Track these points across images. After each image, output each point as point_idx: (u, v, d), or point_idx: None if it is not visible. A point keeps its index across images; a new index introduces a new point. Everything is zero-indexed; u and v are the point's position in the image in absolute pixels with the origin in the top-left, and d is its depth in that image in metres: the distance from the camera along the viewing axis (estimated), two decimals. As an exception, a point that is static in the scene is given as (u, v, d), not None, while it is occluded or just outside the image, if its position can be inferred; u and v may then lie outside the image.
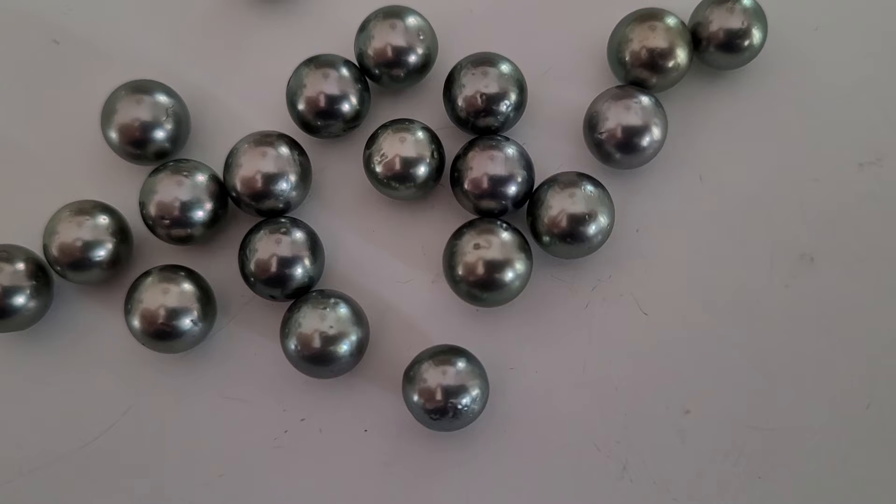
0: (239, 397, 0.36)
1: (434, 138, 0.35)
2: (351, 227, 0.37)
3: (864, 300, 0.36)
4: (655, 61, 0.35)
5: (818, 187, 0.37)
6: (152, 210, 0.35)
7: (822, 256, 0.36)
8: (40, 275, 0.35)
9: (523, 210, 0.36)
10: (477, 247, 0.34)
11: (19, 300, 0.34)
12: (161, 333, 0.34)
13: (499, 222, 0.35)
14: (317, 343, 0.34)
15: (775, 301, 0.36)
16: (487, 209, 0.35)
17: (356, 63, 0.36)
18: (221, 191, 0.35)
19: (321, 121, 0.35)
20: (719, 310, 0.36)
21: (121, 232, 0.35)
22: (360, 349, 0.34)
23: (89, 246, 0.35)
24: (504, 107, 0.35)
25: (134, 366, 0.36)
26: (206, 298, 0.35)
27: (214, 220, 0.35)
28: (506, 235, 0.34)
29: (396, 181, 0.35)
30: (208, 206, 0.35)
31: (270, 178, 0.35)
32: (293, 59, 0.36)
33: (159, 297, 0.34)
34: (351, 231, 0.37)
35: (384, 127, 0.35)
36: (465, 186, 0.35)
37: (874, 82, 0.37)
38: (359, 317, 0.34)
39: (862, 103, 0.37)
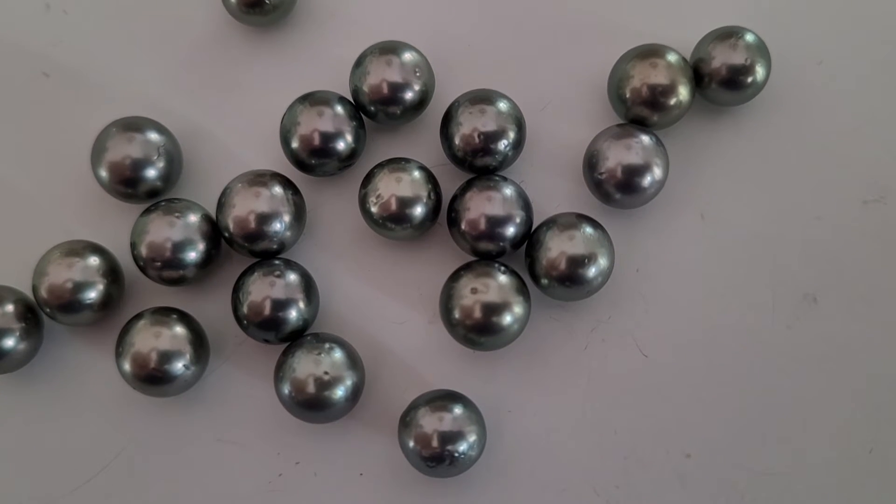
0: (232, 440, 0.35)
1: (430, 178, 0.35)
2: (346, 266, 0.36)
3: (868, 341, 0.35)
4: (657, 99, 0.35)
5: (821, 225, 0.36)
6: (143, 251, 0.34)
7: (825, 296, 0.36)
8: (30, 316, 0.34)
9: (521, 249, 0.35)
10: (474, 291, 0.33)
11: (8, 342, 0.34)
12: (153, 378, 0.33)
13: (496, 264, 0.34)
14: (311, 388, 0.33)
15: (778, 342, 0.35)
16: (485, 251, 0.34)
17: (351, 100, 0.36)
18: (214, 231, 0.35)
19: (315, 159, 0.35)
20: (720, 351, 0.35)
21: (112, 272, 0.35)
22: (355, 394, 0.34)
23: (79, 288, 0.34)
24: (502, 146, 0.34)
25: (126, 408, 0.35)
26: (199, 341, 0.34)
27: (207, 261, 0.35)
28: (503, 278, 0.34)
29: (392, 222, 0.34)
30: (201, 246, 0.34)
31: (264, 219, 0.34)
32: (287, 94, 0.36)
33: (151, 340, 0.33)
34: (346, 270, 0.36)
35: (380, 166, 0.35)
36: (463, 227, 0.34)
37: (878, 118, 0.37)
38: (354, 361, 0.34)
39: (866, 139, 0.36)
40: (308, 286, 0.34)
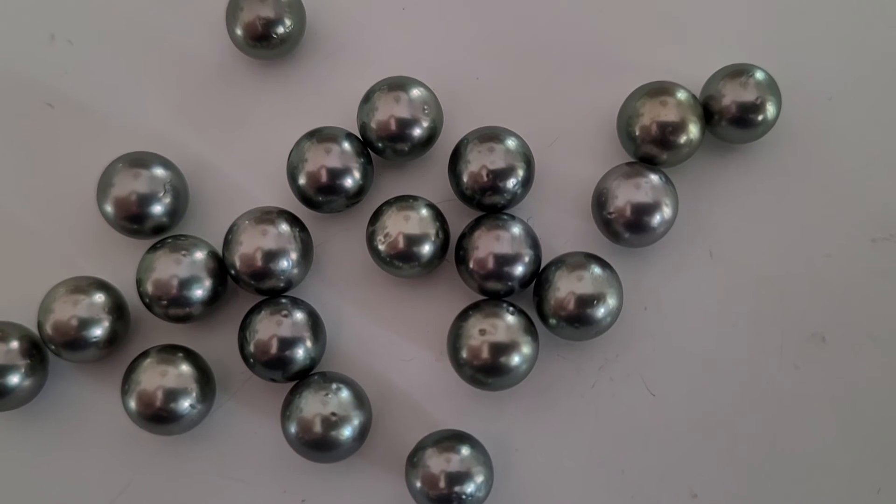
0: (238, 477, 0.35)
1: (439, 215, 0.35)
2: (353, 302, 0.36)
3: (876, 380, 0.35)
4: (667, 138, 0.34)
5: (830, 264, 0.36)
6: (149, 288, 0.34)
7: (833, 335, 0.36)
8: (35, 353, 0.34)
9: (530, 287, 0.35)
10: (483, 332, 0.33)
11: (13, 379, 0.34)
12: (158, 417, 0.33)
13: (505, 304, 0.34)
14: (318, 428, 0.33)
15: (785, 382, 0.35)
16: (493, 290, 0.34)
17: (359, 135, 0.35)
18: (221, 268, 0.35)
19: (323, 196, 0.35)
20: (728, 390, 0.35)
21: (117, 309, 0.34)
22: (362, 433, 0.34)
23: (85, 325, 0.34)
24: (511, 184, 0.34)
25: (131, 444, 0.35)
26: (205, 379, 0.34)
27: (214, 299, 0.34)
28: (511, 319, 0.33)
29: (400, 260, 0.34)
30: (207, 284, 0.34)
31: (271, 258, 0.34)
32: (294, 128, 0.36)
33: (157, 379, 0.33)
34: (353, 307, 0.36)
35: (388, 204, 0.35)
36: (471, 266, 0.34)
37: (886, 155, 0.36)
38: (361, 400, 0.34)
39: (874, 177, 0.36)
40: (315, 325, 0.34)
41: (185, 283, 0.34)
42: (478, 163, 0.34)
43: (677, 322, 0.36)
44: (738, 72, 0.35)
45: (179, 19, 0.37)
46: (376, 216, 0.34)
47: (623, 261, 0.36)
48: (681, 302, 0.36)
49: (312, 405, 0.33)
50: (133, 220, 0.35)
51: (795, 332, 0.36)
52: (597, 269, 0.34)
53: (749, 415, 0.35)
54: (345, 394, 0.33)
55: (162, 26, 0.37)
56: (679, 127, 0.34)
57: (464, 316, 0.34)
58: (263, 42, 0.36)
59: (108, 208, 0.34)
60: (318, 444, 0.33)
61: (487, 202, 0.35)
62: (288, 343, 0.34)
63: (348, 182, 0.34)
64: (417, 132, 0.35)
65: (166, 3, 0.37)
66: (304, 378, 0.34)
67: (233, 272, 0.34)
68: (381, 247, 0.34)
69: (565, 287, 0.34)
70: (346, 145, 0.35)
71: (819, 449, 0.35)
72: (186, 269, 0.34)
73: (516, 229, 0.34)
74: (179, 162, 0.36)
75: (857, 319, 0.36)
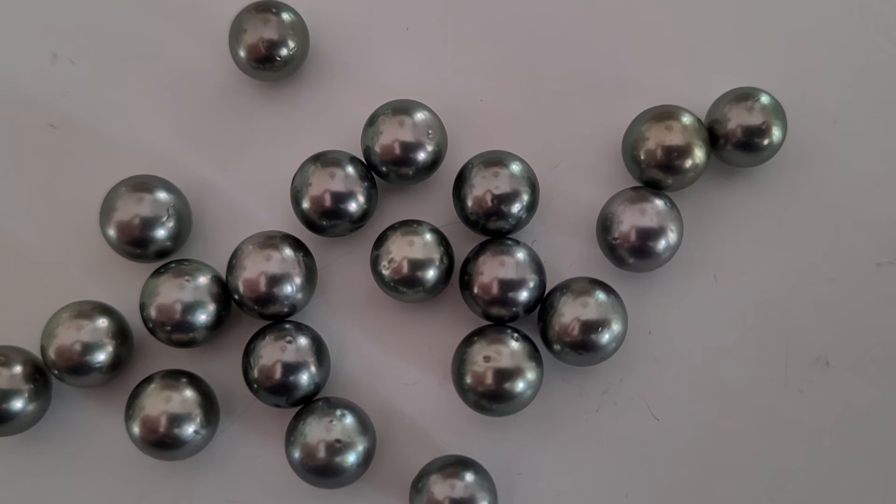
0: (242, 501, 0.35)
1: (443, 240, 0.35)
2: (356, 326, 0.36)
3: (881, 404, 0.35)
4: (672, 162, 0.34)
5: (835, 287, 0.36)
6: (153, 313, 0.34)
7: (837, 359, 0.35)
8: (38, 377, 0.34)
9: (534, 311, 0.35)
10: (487, 359, 0.33)
11: (17, 404, 0.34)
12: (162, 443, 0.33)
13: (509, 331, 0.34)
14: (322, 454, 0.33)
15: (790, 406, 0.35)
16: (497, 316, 0.34)
17: (363, 159, 0.35)
18: (224, 292, 0.34)
19: (326, 221, 0.34)
20: (732, 415, 0.35)
21: (121, 334, 0.34)
22: (366, 459, 0.34)
23: (88, 350, 0.34)
24: (515, 209, 0.34)
25: (135, 468, 0.35)
26: (209, 405, 0.34)
27: (217, 324, 0.34)
28: (516, 345, 0.33)
29: (404, 286, 0.34)
30: (211, 308, 0.34)
31: (274, 283, 0.34)
32: (298, 150, 0.36)
33: (161, 405, 0.33)
34: (356, 330, 0.36)
35: (392, 228, 0.34)
36: (475, 291, 0.34)
37: (893, 178, 0.36)
38: (365, 426, 0.34)
39: (880, 200, 0.36)
40: (319, 350, 0.34)
41: (189, 309, 0.34)
42: (482, 187, 0.34)
43: (681, 346, 0.36)
44: (744, 96, 0.35)
45: (182, 40, 0.37)
46: (380, 241, 0.34)
47: (627, 284, 0.35)
48: (685, 326, 0.36)
49: (317, 431, 0.33)
50: (136, 244, 0.34)
51: (800, 356, 0.35)
52: (601, 295, 0.34)
53: (753, 438, 0.35)
54: (349, 420, 0.33)
55: (165, 47, 0.37)
56: (684, 151, 0.34)
57: (468, 342, 0.34)
58: (267, 64, 0.36)
59: (111, 232, 0.34)
60: (323, 470, 0.33)
61: (492, 227, 0.34)
62: (292, 369, 0.33)
63: (352, 206, 0.34)
64: (421, 156, 0.35)
65: (169, 24, 0.37)
66: (308, 403, 0.34)
67: (236, 297, 0.34)
68: (385, 272, 0.34)
69: (570, 313, 0.33)
70: (350, 169, 0.34)
71: (823, 472, 0.35)
72: (190, 294, 0.34)
73: (521, 254, 0.34)
74: (182, 184, 0.36)
75: (862, 343, 0.36)
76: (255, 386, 0.34)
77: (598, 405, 0.35)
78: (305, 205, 0.34)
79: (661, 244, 0.34)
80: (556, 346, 0.34)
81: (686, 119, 0.35)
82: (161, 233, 0.34)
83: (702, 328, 0.36)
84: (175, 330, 0.34)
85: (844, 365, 0.35)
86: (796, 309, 0.36)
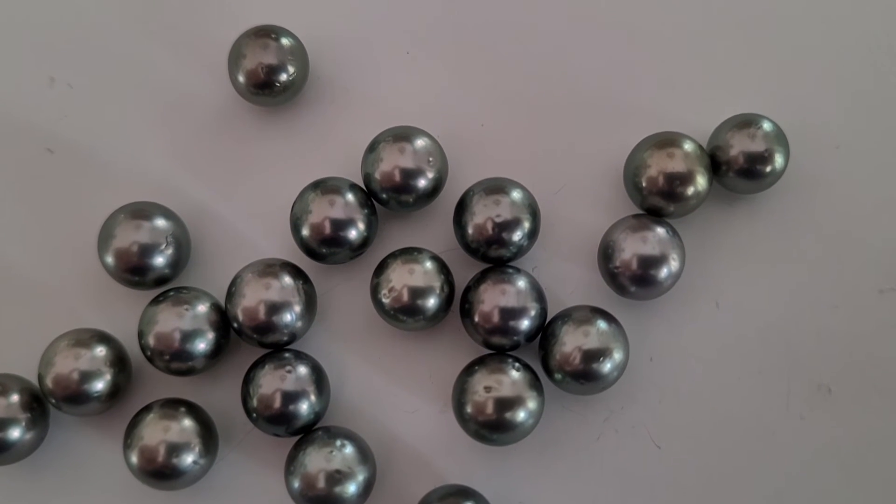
0: (241, 530, 0.35)
1: (443, 267, 0.34)
2: (356, 353, 0.36)
3: (883, 433, 0.35)
4: (674, 190, 0.34)
5: (836, 314, 0.36)
6: (151, 341, 0.33)
7: (839, 387, 0.35)
8: (35, 406, 0.34)
9: (535, 340, 0.35)
10: (488, 390, 0.33)
11: (14, 433, 0.33)
12: (161, 474, 0.33)
13: (510, 360, 0.34)
14: (322, 485, 0.33)
15: (791, 433, 0.35)
16: (498, 345, 0.34)
17: (363, 186, 0.35)
18: (223, 320, 0.34)
19: (326, 248, 0.34)
20: (734, 442, 0.35)
21: (119, 362, 0.34)
22: (366, 489, 0.33)
23: (86, 379, 0.33)
24: (517, 237, 0.34)
25: (133, 498, 0.35)
26: (208, 434, 0.34)
27: (216, 352, 0.34)
28: (517, 375, 0.33)
29: (405, 314, 0.34)
30: (210, 336, 0.34)
31: (274, 311, 0.33)
32: (297, 175, 0.35)
33: (159, 434, 0.33)
34: (356, 357, 0.36)
35: (392, 256, 0.34)
36: (476, 320, 0.34)
37: (895, 203, 0.36)
38: (366, 456, 0.33)
39: (883, 226, 0.36)
40: (319, 379, 0.34)
41: (188, 337, 0.33)
42: (483, 215, 0.34)
43: (683, 373, 0.35)
44: (746, 122, 0.35)
45: (181, 65, 0.37)
46: (381, 269, 0.34)
47: (629, 311, 0.35)
48: (687, 353, 0.36)
49: (316, 461, 0.33)
50: (135, 272, 0.34)
51: (802, 384, 0.35)
52: (602, 324, 0.34)
53: (755, 466, 0.35)
54: (349, 450, 0.33)
55: (163, 71, 0.37)
56: (686, 179, 0.34)
57: (469, 371, 0.34)
58: (266, 90, 0.35)
59: (109, 260, 0.34)
60: (323, 501, 0.33)
61: (493, 255, 0.34)
62: (291, 398, 0.33)
63: (352, 234, 0.34)
64: (422, 183, 0.34)
65: (168, 48, 0.37)
66: (308, 433, 0.34)
67: (235, 325, 0.34)
68: (386, 300, 0.34)
69: (571, 342, 0.33)
70: (350, 196, 0.34)
71: (825, 500, 0.35)
72: (189, 323, 0.34)
73: (522, 283, 0.34)
74: (181, 209, 0.35)
75: (864, 371, 0.35)
76: (255, 415, 0.33)
77: (599, 433, 0.35)
78: (305, 232, 0.34)
79: (663, 272, 0.34)
80: (558, 376, 0.34)
81: (688, 146, 0.34)
82: (160, 260, 0.34)
83: (703, 355, 0.35)
84: (174, 359, 0.33)
85: (846, 392, 0.35)
86: (798, 336, 0.36)
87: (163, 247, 0.34)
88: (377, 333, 0.35)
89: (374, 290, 0.34)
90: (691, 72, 0.37)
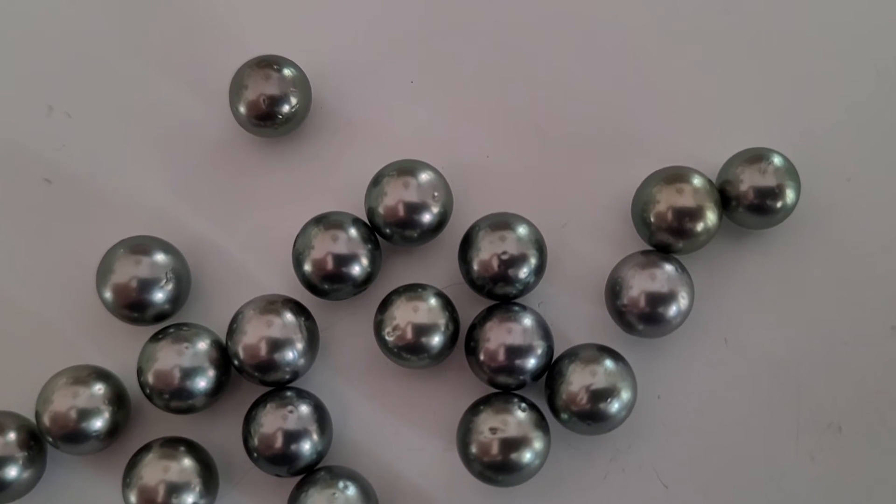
0: (242, 570, 0.34)
1: (448, 304, 0.34)
2: (359, 389, 0.35)
3: (894, 472, 0.35)
4: (683, 226, 0.34)
5: (847, 351, 0.35)
6: (150, 379, 0.33)
7: (850, 426, 0.35)
8: (33, 444, 0.33)
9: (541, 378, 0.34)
10: (493, 431, 0.32)
11: (11, 472, 0.33)
12: (161, 515, 0.32)
13: (516, 399, 0.33)
14: (325, 527, 0.32)
15: (801, 474, 0.35)
16: (504, 384, 0.33)
17: (366, 220, 0.34)
18: (224, 357, 0.34)
19: (329, 284, 0.34)
20: (742, 482, 0.34)
21: (118, 400, 0.34)
22: (369, 531, 0.33)
23: (84, 417, 0.33)
24: (523, 274, 0.33)
25: (132, 536, 0.34)
26: (209, 473, 0.33)
27: (217, 390, 0.33)
28: (523, 416, 0.33)
29: (409, 352, 0.33)
30: (210, 374, 0.33)
31: (276, 349, 0.33)
32: (299, 208, 0.35)
33: (159, 474, 0.33)
34: (359, 395, 0.35)
35: (396, 293, 0.34)
36: (481, 358, 0.33)
37: (908, 237, 0.36)
38: (368, 497, 0.33)
39: (894, 261, 0.35)
40: (321, 418, 0.33)
41: (188, 375, 0.33)
42: (489, 252, 0.33)
43: (691, 411, 0.35)
44: (756, 157, 0.34)
45: (182, 95, 0.36)
46: (384, 305, 0.34)
47: (636, 348, 0.35)
48: (695, 390, 0.35)
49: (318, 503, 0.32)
50: (134, 308, 0.34)
51: (812, 422, 0.35)
52: (610, 363, 0.33)
53: (763, 507, 0.34)
54: (352, 491, 0.33)
55: (163, 101, 0.36)
56: (696, 215, 0.34)
57: (474, 410, 0.33)
58: (268, 121, 0.35)
59: (108, 295, 0.34)
60: (325, 543, 0.32)
61: (499, 292, 0.34)
62: (293, 437, 0.33)
63: (355, 270, 0.34)
64: (427, 218, 0.34)
65: (169, 78, 0.36)
66: (310, 473, 0.33)
67: (236, 363, 0.33)
68: (390, 338, 0.33)
69: (578, 381, 0.33)
70: (353, 231, 0.34)
71: (834, 541, 0.34)
72: (189, 360, 0.33)
73: (528, 321, 0.33)
74: (180, 242, 0.35)
75: (875, 409, 0.35)
76: (256, 455, 0.33)
77: (605, 472, 0.35)
78: (307, 268, 0.33)
79: (672, 310, 0.33)
80: (564, 415, 0.33)
81: (697, 181, 0.34)
82: (159, 296, 0.34)
83: (711, 392, 0.35)
84: (174, 397, 0.33)
85: (857, 431, 0.35)
86: (808, 373, 0.35)
87: (163, 283, 0.34)
88: (380, 370, 0.35)
89: (378, 328, 0.34)
90: (699, 105, 0.36)
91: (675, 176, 0.34)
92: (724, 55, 0.36)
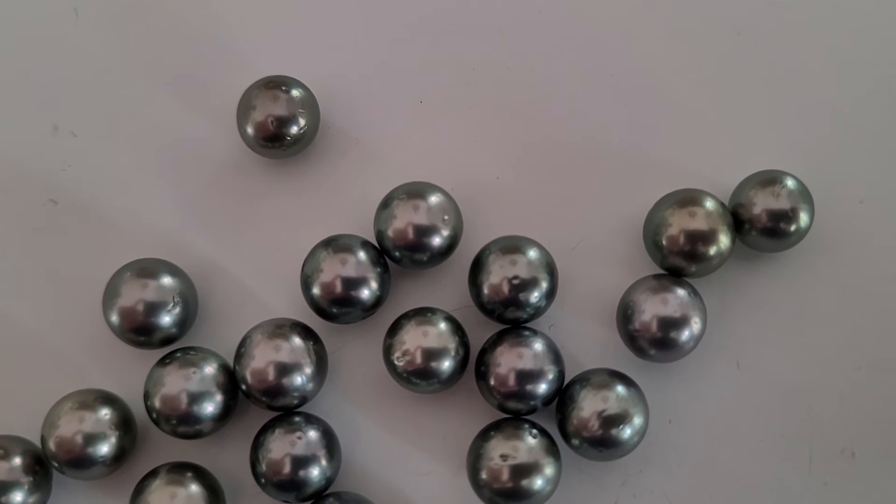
0: None
1: (458, 328, 0.33)
2: (368, 414, 0.35)
3: (907, 498, 0.34)
4: (696, 250, 0.33)
5: (861, 376, 0.35)
6: (157, 404, 0.33)
7: (863, 451, 0.34)
8: (38, 469, 0.33)
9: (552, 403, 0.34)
10: (504, 458, 0.32)
11: (16, 497, 0.33)
12: (168, 542, 0.32)
13: (527, 426, 0.33)
14: (333, 554, 0.32)
15: (814, 499, 0.34)
16: (514, 409, 0.33)
17: (375, 243, 0.34)
18: (232, 382, 0.33)
19: (338, 308, 0.33)
20: (755, 508, 0.34)
21: (124, 424, 0.33)
22: (378, 557, 0.33)
23: (90, 442, 0.32)
24: (534, 298, 0.33)
25: (138, 561, 0.34)
26: (216, 499, 0.33)
27: (225, 414, 0.33)
28: (534, 442, 0.32)
29: (418, 377, 0.33)
30: (218, 399, 0.33)
31: (284, 373, 0.33)
32: (307, 230, 0.35)
33: (166, 500, 0.32)
34: (368, 419, 0.35)
35: (406, 317, 0.33)
36: (492, 383, 0.33)
37: (921, 260, 0.35)
38: (377, 523, 0.33)
39: (908, 284, 0.35)
40: (330, 443, 0.33)
41: (195, 400, 0.33)
42: (499, 275, 0.33)
43: (702, 436, 0.35)
44: (770, 180, 0.34)
45: (188, 115, 0.36)
46: (394, 330, 0.33)
47: (647, 372, 0.34)
48: (706, 415, 0.35)
49: (328, 531, 0.32)
50: (140, 331, 0.33)
51: (824, 447, 0.34)
52: (621, 389, 0.33)
53: (776, 533, 0.34)
54: (361, 518, 0.32)
55: (170, 121, 0.36)
56: (709, 238, 0.33)
57: (484, 436, 0.33)
58: (276, 142, 0.34)
59: (115, 319, 0.33)
60: (333, 570, 0.32)
61: (510, 316, 0.33)
62: (302, 463, 0.32)
63: (365, 293, 0.33)
64: (437, 241, 0.33)
65: (175, 98, 0.36)
66: (318, 499, 0.33)
67: (244, 388, 0.33)
68: (399, 363, 0.33)
69: (589, 407, 0.32)
70: (363, 255, 0.33)
71: (847, 567, 0.34)
72: (196, 385, 0.33)
73: (539, 345, 0.33)
74: (187, 265, 0.35)
75: (889, 435, 0.34)
76: (263, 480, 0.33)
77: (615, 498, 0.34)
78: (316, 291, 0.33)
79: (684, 335, 0.33)
80: (575, 441, 0.33)
81: (710, 204, 0.34)
82: (166, 319, 0.33)
83: (723, 417, 0.35)
84: (181, 422, 0.33)
85: (871, 457, 0.34)
86: (821, 398, 0.35)
87: (170, 306, 0.33)
88: (390, 395, 0.35)
89: (387, 352, 0.33)
90: (712, 127, 0.36)
91: (688, 199, 0.34)
92: (737, 77, 0.36)
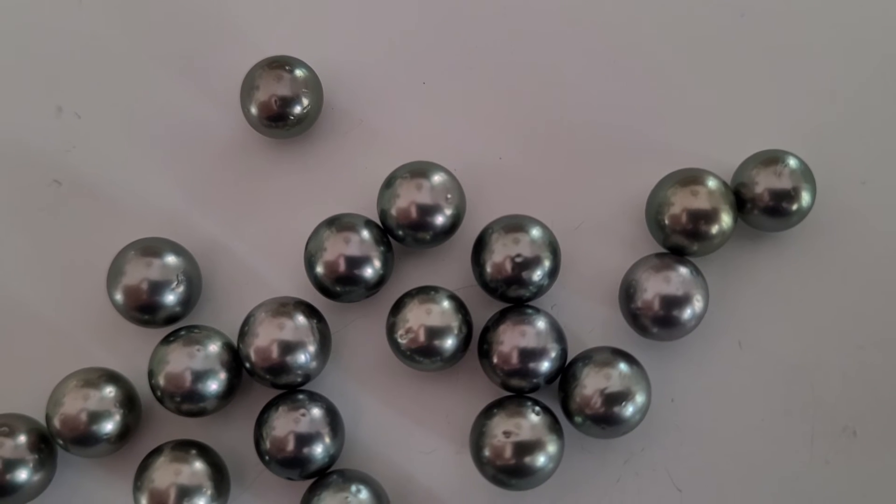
0: (253, 574, 0.34)
1: (461, 307, 0.34)
2: (371, 393, 0.35)
3: (909, 476, 0.34)
4: (698, 229, 0.33)
5: (862, 355, 0.35)
6: (162, 382, 0.33)
7: (865, 429, 0.35)
8: (43, 446, 0.33)
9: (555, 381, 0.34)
10: (507, 435, 0.32)
11: (22, 474, 0.33)
12: (173, 519, 0.32)
13: (530, 403, 0.33)
14: (337, 531, 0.32)
15: (815, 477, 0.34)
16: (517, 387, 0.33)
17: (378, 222, 0.34)
18: (236, 360, 0.33)
19: (341, 286, 0.33)
20: (756, 486, 0.34)
21: (129, 402, 0.33)
22: (381, 535, 0.33)
23: (95, 419, 0.33)
24: (536, 276, 0.33)
25: (142, 539, 0.34)
26: (220, 476, 0.33)
27: (228, 392, 0.33)
28: (537, 420, 0.32)
29: (421, 355, 0.33)
30: (222, 376, 0.33)
31: (287, 351, 0.33)
32: (310, 209, 0.35)
33: (170, 477, 0.32)
34: (371, 397, 0.35)
35: (409, 295, 0.33)
36: (495, 361, 0.33)
37: (923, 240, 0.35)
38: (381, 499, 0.33)
39: (910, 263, 0.35)
40: (333, 421, 0.33)
41: (199, 378, 0.33)
42: (502, 254, 0.33)
43: (705, 414, 0.35)
44: (772, 160, 0.34)
45: (192, 95, 0.36)
46: (397, 308, 0.33)
47: (650, 350, 0.35)
48: (709, 393, 0.35)
49: (331, 507, 0.32)
50: (144, 310, 0.33)
51: (826, 426, 0.35)
52: (624, 367, 0.33)
53: (778, 511, 0.34)
54: (364, 495, 0.32)
55: (174, 102, 0.36)
56: (711, 217, 0.33)
57: (487, 414, 0.33)
58: (279, 122, 0.34)
59: (119, 297, 0.33)
60: (337, 547, 0.32)
61: (512, 294, 0.33)
62: (305, 441, 0.32)
63: (368, 272, 0.33)
64: (440, 221, 0.34)
65: (179, 78, 0.36)
66: (322, 476, 0.33)
67: (248, 366, 0.33)
68: (402, 341, 0.33)
69: (592, 385, 0.33)
70: (366, 233, 0.33)
71: (849, 545, 0.34)
72: (200, 363, 0.33)
73: (542, 323, 0.33)
74: (191, 244, 0.35)
75: (890, 413, 0.35)
76: (268, 458, 0.33)
77: (618, 476, 0.34)
78: (319, 270, 0.33)
79: (687, 313, 0.33)
80: (578, 419, 0.33)
81: (712, 183, 0.34)
82: (170, 298, 0.33)
83: (726, 396, 0.35)
84: (185, 400, 0.33)
85: (872, 435, 0.34)
86: (823, 377, 0.35)
87: (174, 285, 0.33)
88: (393, 373, 0.35)
89: (391, 330, 0.33)
90: (714, 107, 0.36)
91: (690, 178, 0.34)
92: (739, 57, 0.36)
